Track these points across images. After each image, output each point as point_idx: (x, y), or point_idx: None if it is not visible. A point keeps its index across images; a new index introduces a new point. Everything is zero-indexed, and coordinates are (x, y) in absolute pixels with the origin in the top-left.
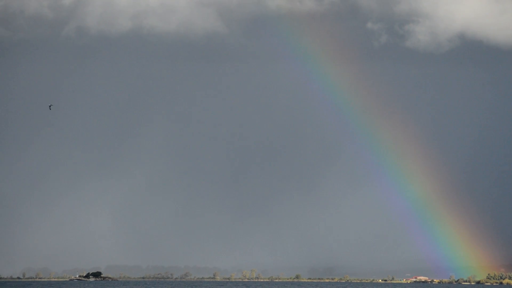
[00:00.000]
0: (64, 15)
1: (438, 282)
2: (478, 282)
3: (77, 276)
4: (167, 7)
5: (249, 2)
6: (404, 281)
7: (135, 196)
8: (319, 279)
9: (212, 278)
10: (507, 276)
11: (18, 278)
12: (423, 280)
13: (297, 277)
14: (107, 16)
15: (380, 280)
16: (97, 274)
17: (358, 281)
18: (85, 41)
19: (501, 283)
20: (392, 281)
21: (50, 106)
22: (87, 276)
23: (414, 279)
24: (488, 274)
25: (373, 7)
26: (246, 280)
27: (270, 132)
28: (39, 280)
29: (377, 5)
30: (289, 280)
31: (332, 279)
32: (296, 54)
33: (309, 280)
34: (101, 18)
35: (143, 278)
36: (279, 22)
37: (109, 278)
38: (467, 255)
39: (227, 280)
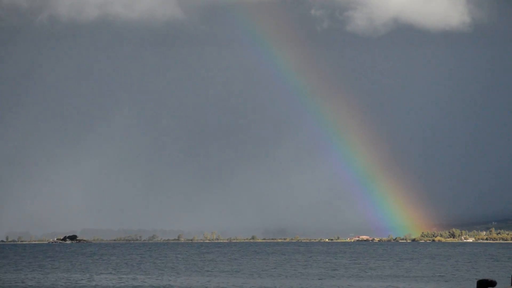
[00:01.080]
0: (38, 5)
1: (378, 240)
2: (414, 240)
3: (55, 239)
4: None
5: None
6: (348, 240)
7: (106, 168)
8: (272, 239)
9: (177, 239)
10: (439, 234)
11: (2, 241)
12: (364, 239)
13: (252, 237)
14: (77, 5)
15: (327, 240)
16: (73, 237)
17: (308, 241)
18: (58, 28)
19: (433, 240)
20: (338, 240)
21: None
22: (64, 239)
23: (357, 238)
24: (422, 233)
25: None
26: (208, 241)
27: (227, 110)
28: (21, 242)
29: None
30: (245, 240)
31: (284, 239)
32: (249, 39)
33: (263, 240)
34: (72, 7)
35: (114, 240)
36: (233, 10)
37: (84, 240)
38: (403, 216)
39: (190, 241)
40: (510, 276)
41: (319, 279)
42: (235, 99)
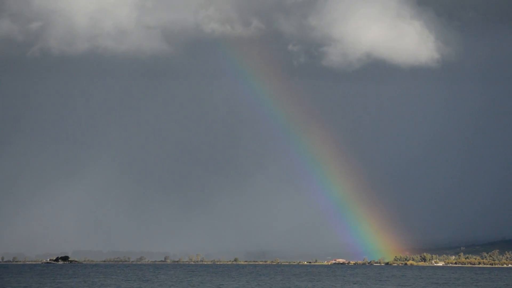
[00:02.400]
0: (31, 38)
1: (354, 263)
2: (387, 263)
3: (48, 259)
4: (119, 30)
5: (190, 26)
6: (325, 263)
7: (95, 193)
8: (254, 261)
9: (163, 261)
10: (411, 258)
11: None
12: (341, 262)
13: (235, 260)
14: (67, 38)
15: (305, 262)
16: (65, 258)
17: (287, 263)
18: (49, 60)
19: (405, 264)
20: (316, 263)
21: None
22: (57, 259)
23: (334, 261)
24: (395, 257)
25: (292, 32)
26: (192, 262)
27: (210, 139)
28: (16, 263)
29: (296, 30)
30: (228, 262)
31: (265, 261)
32: (231, 72)
33: (245, 263)
34: (62, 40)
35: (104, 261)
36: (216, 44)
37: (75, 261)
38: (377, 241)
39: (176, 262)
40: None
41: None
42: (218, 129)
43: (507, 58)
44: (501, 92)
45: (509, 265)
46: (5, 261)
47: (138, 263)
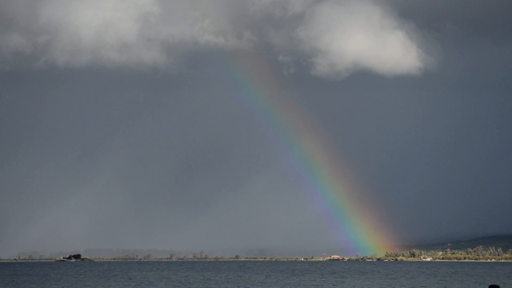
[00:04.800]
0: (38, 51)
1: (347, 259)
2: (379, 259)
3: (61, 258)
4: (121, 42)
5: (187, 38)
6: (321, 259)
7: (104, 196)
8: (254, 258)
9: (169, 258)
10: (401, 254)
11: (15, 259)
12: (336, 258)
13: (236, 256)
14: (72, 50)
15: (302, 259)
16: (77, 256)
17: (285, 260)
18: (55, 72)
19: (396, 259)
20: (312, 259)
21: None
22: (69, 257)
23: (329, 257)
24: (386, 253)
25: (282, 44)
26: (196, 260)
27: (209, 144)
28: (31, 261)
29: (285, 43)
30: (230, 259)
31: (264, 258)
32: (227, 81)
33: (246, 259)
34: (67, 52)
35: (113, 259)
36: (213, 56)
37: (87, 259)
38: (370, 238)
39: (181, 260)
40: None
41: None
42: (217, 134)
43: (484, 67)
44: (479, 98)
45: (493, 260)
46: (22, 259)
47: (146, 260)
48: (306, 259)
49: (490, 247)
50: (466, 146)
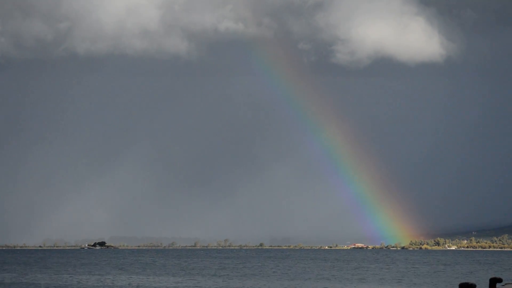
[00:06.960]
0: (60, 38)
1: (372, 247)
2: (403, 248)
3: (86, 245)
4: (142, 29)
5: (207, 25)
6: (345, 247)
7: (129, 185)
8: (278, 246)
9: (194, 246)
10: (425, 242)
11: (40, 246)
12: (360, 246)
13: (261, 245)
14: (92, 38)
15: (326, 247)
16: (102, 244)
17: (309, 248)
18: (75, 60)
19: (420, 248)
20: (336, 248)
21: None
22: (94, 245)
23: (353, 246)
24: (411, 241)
25: (302, 32)
26: (221, 247)
27: (232, 133)
28: (56, 248)
29: (305, 30)
30: (254, 247)
31: (289, 246)
32: (248, 69)
33: (270, 247)
34: (87, 39)
35: (138, 246)
36: (234, 44)
37: (112, 246)
38: (394, 227)
39: (206, 247)
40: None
41: None
42: (239, 123)
43: (507, 55)
44: (503, 85)
45: None
46: (47, 246)
47: (170, 248)
48: (330, 247)
49: None
50: (491, 134)
